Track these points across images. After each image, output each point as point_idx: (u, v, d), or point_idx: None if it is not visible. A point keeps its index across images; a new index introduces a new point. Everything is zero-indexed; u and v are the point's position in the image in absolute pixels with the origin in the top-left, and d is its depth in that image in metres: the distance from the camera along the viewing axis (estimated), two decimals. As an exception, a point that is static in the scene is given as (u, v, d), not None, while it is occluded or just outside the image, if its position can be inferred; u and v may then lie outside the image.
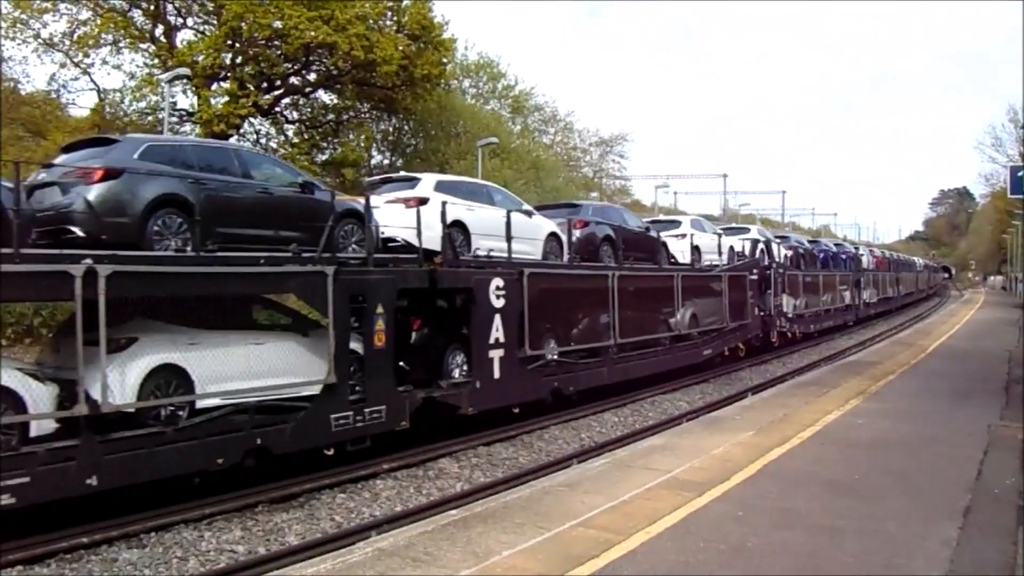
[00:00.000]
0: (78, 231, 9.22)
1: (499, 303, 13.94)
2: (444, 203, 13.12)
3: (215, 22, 25.50)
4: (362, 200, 12.13)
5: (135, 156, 9.84)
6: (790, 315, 27.53)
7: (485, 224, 14.29)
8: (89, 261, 8.44)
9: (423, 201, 13.14)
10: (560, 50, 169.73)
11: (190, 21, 27.05)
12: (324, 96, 29.84)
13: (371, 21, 25.54)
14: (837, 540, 6.85)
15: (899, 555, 6.50)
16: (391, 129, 33.45)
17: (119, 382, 8.95)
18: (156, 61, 25.83)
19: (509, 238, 14.50)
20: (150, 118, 25.91)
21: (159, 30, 26.15)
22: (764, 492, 8.33)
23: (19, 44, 24.93)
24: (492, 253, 14.28)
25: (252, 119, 27.29)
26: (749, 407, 14.40)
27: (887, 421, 12.20)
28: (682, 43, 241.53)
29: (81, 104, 27.75)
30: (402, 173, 17.06)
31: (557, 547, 6.69)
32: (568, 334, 16.39)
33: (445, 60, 29.95)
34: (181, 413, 9.78)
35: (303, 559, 7.68)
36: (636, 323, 18.25)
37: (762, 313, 25.23)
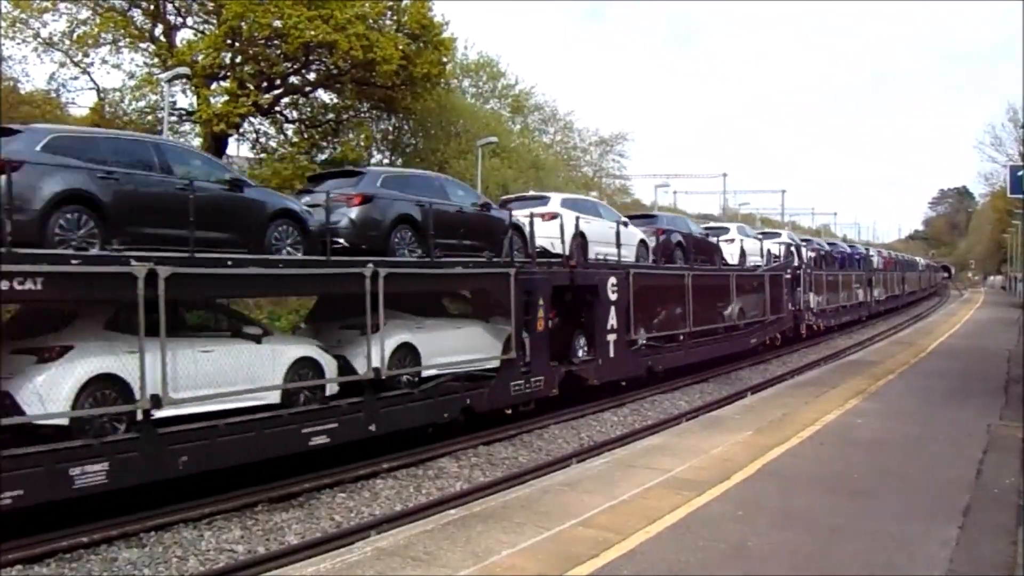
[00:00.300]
0: None
1: (613, 296, 17.26)
2: (577, 217, 17.03)
3: (215, 21, 25.46)
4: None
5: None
6: (815, 310, 30.97)
7: (597, 233, 17.78)
8: (371, 266, 11.52)
9: (554, 216, 16.36)
10: (560, 49, 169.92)
11: (190, 20, 27.01)
12: (324, 95, 29.81)
13: (371, 21, 25.48)
14: (837, 540, 6.86)
15: (899, 555, 6.51)
16: (391, 128, 33.41)
17: (378, 355, 11.77)
18: (156, 60, 25.78)
19: (619, 244, 18.14)
20: (150, 117, 25.89)
21: (159, 29, 26.11)
22: (764, 492, 8.34)
23: (19, 43, 24.89)
24: (605, 257, 17.72)
25: (252, 118, 27.26)
26: (749, 407, 14.40)
27: (887, 421, 12.21)
28: (682, 42, 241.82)
29: (81, 103, 27.65)
30: (532, 192, 20.87)
31: (557, 546, 6.69)
32: (654, 323, 19.69)
33: (445, 59, 29.91)
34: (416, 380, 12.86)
35: (303, 559, 7.68)
36: (702, 315, 21.74)
37: (794, 308, 28.46)
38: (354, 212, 12.17)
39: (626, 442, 12.80)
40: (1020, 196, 28.77)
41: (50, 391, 8.64)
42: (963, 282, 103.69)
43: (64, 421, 8.70)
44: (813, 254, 33.54)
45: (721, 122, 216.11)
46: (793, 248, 31.10)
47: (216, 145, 26.28)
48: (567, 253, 16.28)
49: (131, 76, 26.41)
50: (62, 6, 24.87)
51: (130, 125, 25.63)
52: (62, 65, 25.72)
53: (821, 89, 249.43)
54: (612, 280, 17.26)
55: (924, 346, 24.28)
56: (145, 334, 8.92)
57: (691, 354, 20.89)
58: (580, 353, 16.61)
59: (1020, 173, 17.27)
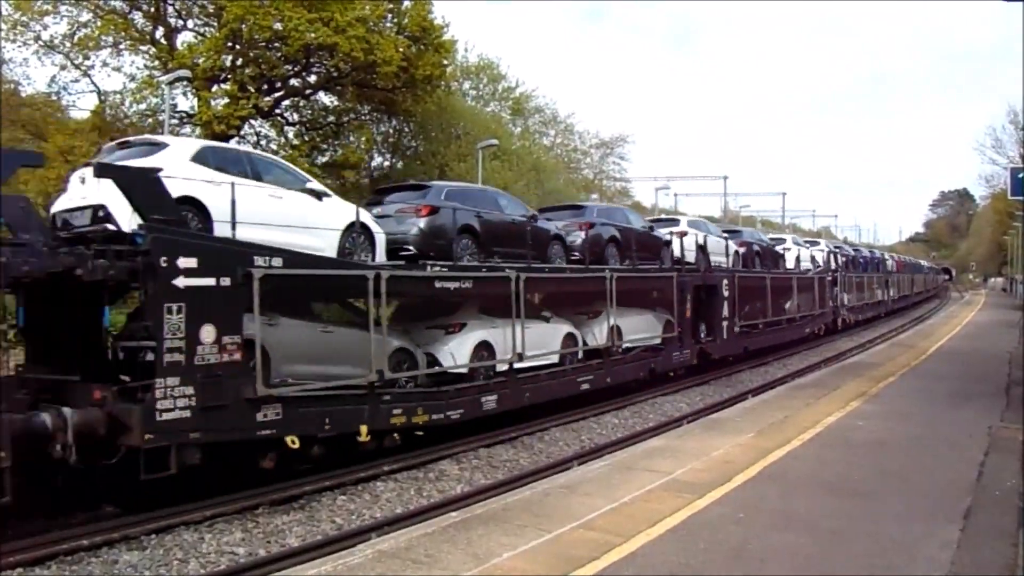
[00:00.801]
0: None
1: (726, 294, 22.69)
2: (699, 234, 22.96)
3: (215, 24, 25.47)
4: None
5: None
6: (848, 307, 36.86)
7: (712, 245, 23.43)
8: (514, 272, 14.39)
9: (684, 233, 21.96)
10: (561, 52, 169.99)
11: (190, 23, 27.02)
12: (324, 98, 29.82)
13: (371, 23, 25.48)
14: (838, 542, 6.86)
15: (900, 557, 6.51)
16: (391, 131, 33.40)
17: (603, 333, 17.44)
18: (156, 63, 25.80)
19: (728, 255, 24.27)
20: (150, 120, 25.91)
21: (159, 32, 26.13)
22: (765, 494, 8.34)
23: (20, 46, 24.89)
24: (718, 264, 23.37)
25: (252, 121, 27.29)
26: (749, 409, 14.41)
27: (887, 423, 12.20)
28: (682, 45, 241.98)
29: (81, 106, 27.71)
30: (664, 215, 27.54)
31: (558, 549, 6.69)
32: (745, 314, 24.63)
33: (445, 62, 29.94)
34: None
35: (303, 561, 7.70)
36: (776, 308, 27.63)
37: (833, 305, 34.35)
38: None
39: (627, 444, 12.79)
40: (1021, 198, 28.77)
41: (457, 351, 13.86)
42: (964, 284, 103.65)
43: (465, 369, 13.89)
44: (844, 259, 38.75)
45: (721, 124, 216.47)
46: (831, 254, 36.69)
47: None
48: (695, 262, 21.90)
49: (132, 79, 26.40)
50: (63, 9, 24.90)
51: (131, 128, 25.66)
52: (63, 68, 25.74)
53: (821, 90, 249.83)
54: (724, 281, 22.76)
55: (925, 348, 24.28)
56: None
57: (769, 338, 26.65)
58: (702, 336, 21.86)
59: (1021, 175, 17.25)
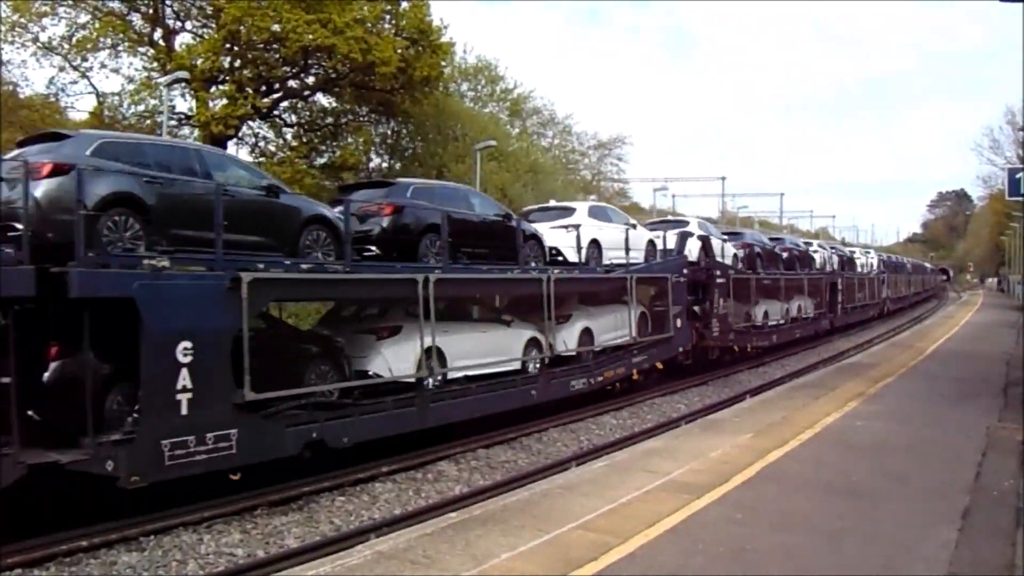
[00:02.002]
0: None
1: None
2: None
3: (214, 25, 25.48)
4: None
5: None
6: (892, 298, 48.90)
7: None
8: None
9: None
10: (559, 53, 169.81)
11: (188, 24, 27.03)
12: (322, 99, 29.85)
13: (369, 24, 25.51)
14: (836, 542, 6.87)
15: (898, 557, 6.52)
16: (389, 132, 33.41)
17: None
18: (155, 64, 25.81)
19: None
20: (148, 121, 25.90)
21: (158, 33, 26.12)
22: (763, 494, 8.35)
23: (18, 48, 24.91)
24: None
25: (251, 122, 27.30)
26: (748, 409, 14.42)
27: (886, 423, 12.22)
28: (681, 46, 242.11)
29: (80, 108, 27.64)
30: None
31: (556, 550, 6.70)
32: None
33: (443, 63, 29.97)
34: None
35: (302, 562, 7.71)
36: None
37: (880, 298, 45.13)
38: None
39: (625, 445, 12.79)
40: (1018, 199, 28.81)
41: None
42: (961, 285, 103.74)
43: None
44: (875, 260, 47.94)
45: (719, 125, 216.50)
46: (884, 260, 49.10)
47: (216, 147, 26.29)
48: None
49: (130, 80, 26.45)
50: (61, 10, 24.92)
51: (129, 129, 25.65)
52: (61, 69, 25.75)
53: (819, 91, 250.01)
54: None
55: (923, 349, 24.31)
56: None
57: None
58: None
59: (1018, 176, 17.24)
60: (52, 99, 25.87)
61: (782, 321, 27.79)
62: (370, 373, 12.19)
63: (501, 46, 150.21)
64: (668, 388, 19.43)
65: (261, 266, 10.42)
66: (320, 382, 11.21)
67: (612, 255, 18.39)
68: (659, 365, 19.70)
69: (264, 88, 26.53)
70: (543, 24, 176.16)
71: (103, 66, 26.16)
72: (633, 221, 20.84)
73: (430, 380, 12.78)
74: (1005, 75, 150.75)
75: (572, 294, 16.90)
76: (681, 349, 20.57)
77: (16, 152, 9.80)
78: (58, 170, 9.04)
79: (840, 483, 8.78)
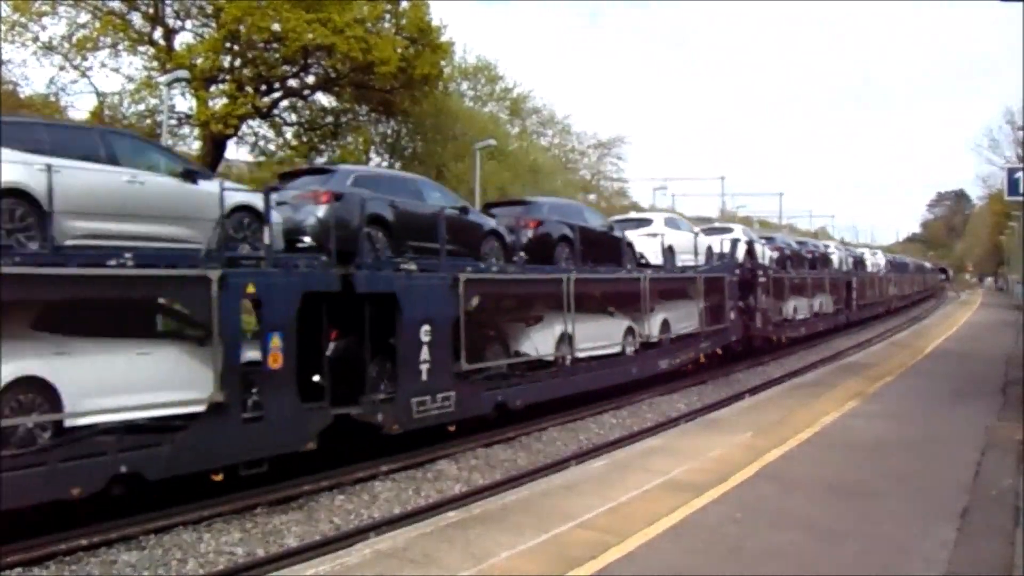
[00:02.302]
0: None
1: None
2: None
3: (214, 25, 25.46)
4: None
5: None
6: (899, 295, 53.38)
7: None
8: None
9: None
10: (558, 53, 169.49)
11: (189, 24, 26.96)
12: (322, 98, 29.85)
13: (369, 24, 25.52)
14: (835, 541, 6.88)
15: (897, 556, 6.53)
16: (389, 132, 33.43)
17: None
18: (155, 64, 25.78)
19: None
20: (149, 121, 25.89)
21: (158, 33, 26.08)
22: (762, 494, 8.36)
23: (18, 47, 24.86)
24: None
25: (251, 121, 27.30)
26: (747, 408, 14.44)
27: (885, 422, 12.23)
28: (680, 46, 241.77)
29: (80, 107, 27.64)
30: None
31: (555, 548, 6.71)
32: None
33: (443, 62, 29.97)
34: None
35: (302, 561, 7.70)
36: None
37: (889, 295, 49.28)
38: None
39: (625, 444, 12.81)
40: (1017, 198, 28.85)
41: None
42: (960, 284, 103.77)
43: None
44: (883, 261, 51.73)
45: (719, 124, 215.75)
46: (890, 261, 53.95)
47: (215, 148, 26.29)
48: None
49: (130, 79, 26.40)
50: (61, 9, 24.85)
51: (130, 129, 25.63)
52: (61, 68, 25.67)
53: (818, 91, 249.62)
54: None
55: (922, 348, 24.33)
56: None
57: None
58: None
59: (1017, 175, 17.23)
60: (52, 98, 25.83)
61: (807, 315, 31.17)
62: (521, 352, 15.25)
63: (501, 46, 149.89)
64: (668, 387, 19.44)
65: (469, 268, 13.58)
66: (494, 359, 14.52)
67: (682, 258, 22.19)
68: (718, 351, 22.92)
69: (264, 87, 26.53)
70: (542, 24, 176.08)
71: (103, 65, 26.13)
72: (696, 229, 24.35)
73: (567, 358, 15.95)
74: (1004, 75, 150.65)
75: (656, 291, 19.75)
76: (734, 338, 23.63)
77: (290, 183, 12.80)
78: (334, 198, 11.63)
79: (839, 482, 8.79)
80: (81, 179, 9.22)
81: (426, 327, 12.47)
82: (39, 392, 8.44)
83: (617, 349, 18.03)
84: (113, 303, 9.57)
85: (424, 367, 12.45)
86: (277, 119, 28.85)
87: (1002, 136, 55.37)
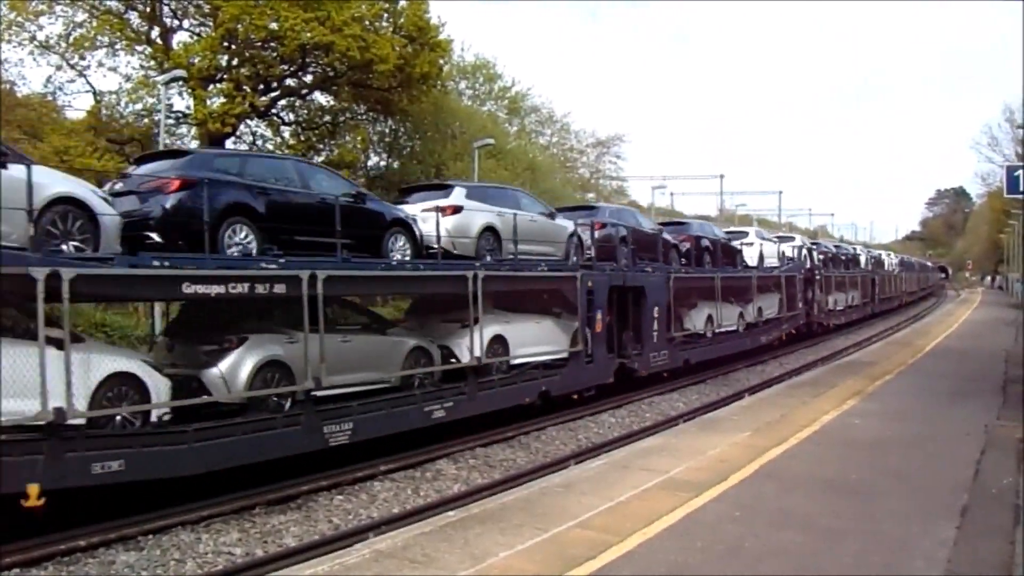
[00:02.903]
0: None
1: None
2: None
3: (211, 24, 25.42)
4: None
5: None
6: (904, 291, 57.14)
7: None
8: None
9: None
10: (557, 52, 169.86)
11: (186, 23, 26.93)
12: (320, 98, 29.79)
13: (367, 22, 25.48)
14: (835, 540, 6.86)
15: (897, 555, 6.51)
16: (387, 130, 33.38)
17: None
18: (152, 63, 25.75)
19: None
20: (146, 120, 25.86)
21: (155, 32, 26.04)
22: (762, 492, 8.34)
23: (15, 46, 24.80)
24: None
25: (248, 121, 27.26)
26: (746, 407, 14.41)
27: (884, 421, 12.22)
28: (678, 44, 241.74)
29: (77, 106, 27.57)
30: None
31: (555, 548, 6.69)
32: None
33: (442, 61, 29.92)
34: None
35: (301, 561, 7.69)
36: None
37: (902, 291, 55.24)
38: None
39: (624, 443, 12.80)
40: (1017, 196, 28.85)
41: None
42: (960, 282, 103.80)
43: None
44: (896, 261, 58.17)
45: (717, 123, 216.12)
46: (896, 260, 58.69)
47: (213, 147, 26.22)
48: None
49: (128, 79, 26.35)
50: (58, 9, 24.80)
51: (127, 128, 25.62)
52: (58, 68, 25.65)
53: (817, 89, 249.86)
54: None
55: (921, 346, 24.32)
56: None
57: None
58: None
59: (1016, 173, 17.24)
60: (49, 98, 25.81)
61: (844, 307, 37.84)
62: (688, 328, 21.92)
63: (499, 45, 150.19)
64: (667, 387, 19.43)
65: (678, 270, 21.34)
66: (681, 331, 21.19)
67: (768, 261, 29.59)
68: (794, 331, 29.84)
69: (262, 86, 26.48)
70: (541, 22, 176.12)
71: (100, 65, 26.09)
72: (774, 237, 33.00)
73: (711, 332, 23.12)
74: (1004, 73, 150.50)
75: (757, 286, 26.51)
76: (802, 322, 30.75)
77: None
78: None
79: (839, 481, 8.78)
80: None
81: (656, 308, 19.37)
82: (500, 343, 14.69)
83: (735, 328, 24.44)
84: (524, 293, 15.69)
85: (654, 334, 19.36)
86: (275, 118, 28.81)
87: (1002, 134, 55.59)
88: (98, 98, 26.27)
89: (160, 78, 22.97)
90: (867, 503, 7.93)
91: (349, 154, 28.97)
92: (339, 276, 11.37)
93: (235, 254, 10.65)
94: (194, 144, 26.84)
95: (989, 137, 58.27)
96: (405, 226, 13.39)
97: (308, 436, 10.86)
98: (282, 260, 10.89)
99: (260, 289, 10.31)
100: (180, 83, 23.99)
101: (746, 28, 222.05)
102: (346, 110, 30.25)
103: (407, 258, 13.21)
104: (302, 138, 28.96)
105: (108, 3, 25.10)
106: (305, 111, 29.78)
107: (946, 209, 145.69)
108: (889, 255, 59.15)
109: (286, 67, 26.40)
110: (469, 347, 13.83)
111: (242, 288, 10.12)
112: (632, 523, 7.27)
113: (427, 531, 7.28)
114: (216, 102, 24.93)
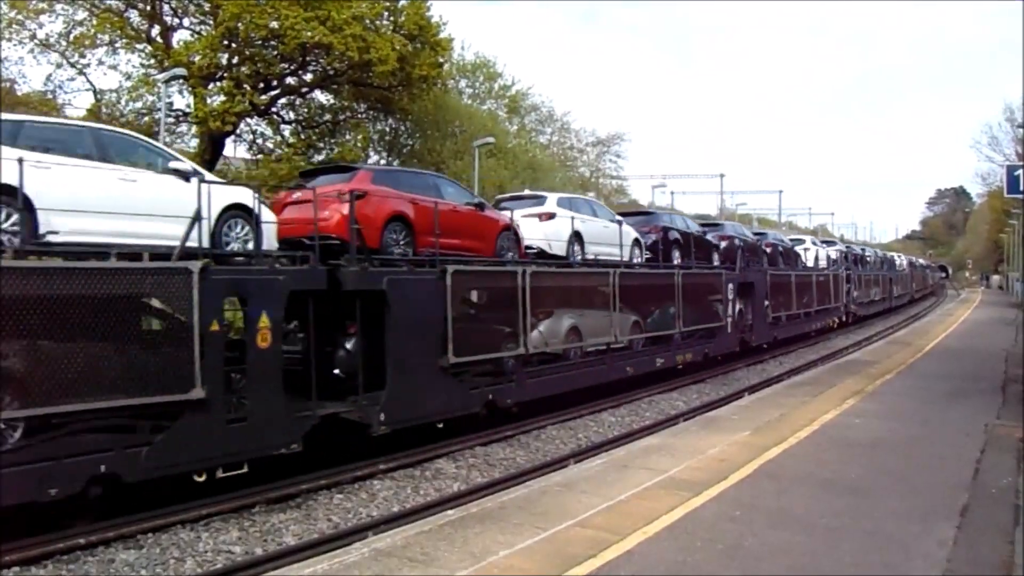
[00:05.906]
0: None
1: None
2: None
3: (211, 22, 25.42)
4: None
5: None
6: (913, 288, 63.72)
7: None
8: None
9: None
10: (557, 51, 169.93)
11: (186, 21, 26.97)
12: (321, 96, 29.81)
13: (368, 21, 25.48)
14: (834, 540, 6.86)
15: (896, 555, 6.51)
16: (388, 129, 33.39)
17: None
18: (152, 61, 25.75)
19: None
20: (146, 118, 25.85)
21: (155, 30, 26.06)
22: (761, 492, 8.34)
23: (15, 44, 24.84)
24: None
25: (248, 119, 27.25)
26: (746, 407, 14.40)
27: (884, 421, 12.21)
28: (679, 43, 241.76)
29: (77, 105, 27.63)
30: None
31: (554, 547, 6.69)
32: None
33: (442, 60, 29.92)
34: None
35: (300, 559, 7.67)
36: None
37: (912, 288, 62.30)
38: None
39: (623, 443, 12.78)
40: (1017, 196, 28.85)
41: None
42: (960, 282, 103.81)
43: None
44: (905, 262, 65.19)
45: (718, 122, 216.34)
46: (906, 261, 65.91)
47: (213, 146, 26.25)
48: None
49: (128, 77, 26.37)
50: (59, 7, 24.82)
51: (127, 126, 25.56)
52: (59, 66, 25.69)
53: (817, 88, 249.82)
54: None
55: (921, 346, 24.31)
56: None
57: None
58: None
59: (1017, 173, 17.24)
60: (49, 96, 25.82)
61: (868, 301, 43.67)
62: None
63: (499, 44, 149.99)
64: (667, 386, 19.43)
65: (770, 269, 27.28)
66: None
67: (821, 263, 36.34)
68: (837, 320, 35.72)
69: (262, 85, 26.48)
70: (541, 23, 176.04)
71: (101, 63, 26.14)
72: (821, 242, 39.97)
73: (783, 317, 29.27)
74: (1004, 72, 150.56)
75: (815, 283, 32.42)
76: (842, 312, 36.59)
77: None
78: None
79: (838, 481, 8.77)
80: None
81: (760, 298, 25.51)
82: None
83: (800, 314, 29.85)
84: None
85: (762, 316, 26.24)
86: (275, 117, 28.81)
87: (1002, 133, 55.50)
88: (98, 96, 26.31)
89: (160, 76, 22.99)
90: (867, 503, 7.92)
91: (350, 153, 28.94)
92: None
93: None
94: (195, 142, 26.88)
95: (989, 137, 58.17)
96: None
97: (609, 372, 17.52)
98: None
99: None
100: (180, 81, 24.03)
101: (746, 28, 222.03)
102: (346, 108, 30.26)
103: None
104: (302, 136, 28.96)
105: (108, 1, 25.12)
106: (305, 109, 29.78)
107: (946, 209, 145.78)
108: (899, 256, 66.40)
109: (286, 66, 26.42)
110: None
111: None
112: (632, 522, 7.27)
113: (426, 530, 7.27)
114: (216, 100, 24.93)
